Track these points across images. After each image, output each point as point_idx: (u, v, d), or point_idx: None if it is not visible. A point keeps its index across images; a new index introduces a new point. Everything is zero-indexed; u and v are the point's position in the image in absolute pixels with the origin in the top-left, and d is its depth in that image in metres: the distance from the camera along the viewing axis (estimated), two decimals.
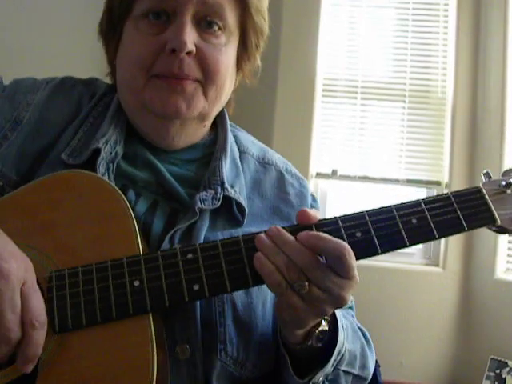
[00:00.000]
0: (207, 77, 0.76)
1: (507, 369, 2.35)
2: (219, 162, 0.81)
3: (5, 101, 0.81)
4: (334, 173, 2.82)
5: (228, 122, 0.89)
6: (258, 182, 0.85)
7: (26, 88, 0.84)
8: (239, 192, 0.80)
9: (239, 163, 0.85)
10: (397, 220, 0.66)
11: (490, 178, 0.74)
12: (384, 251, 0.65)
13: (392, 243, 0.66)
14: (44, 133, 0.80)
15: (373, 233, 0.65)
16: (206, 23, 0.76)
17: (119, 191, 0.69)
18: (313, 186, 2.84)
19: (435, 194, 2.80)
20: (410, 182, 2.79)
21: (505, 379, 2.34)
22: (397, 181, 2.79)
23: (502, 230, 0.71)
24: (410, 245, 0.66)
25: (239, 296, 0.74)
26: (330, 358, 0.71)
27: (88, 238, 0.65)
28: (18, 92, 0.83)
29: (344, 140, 2.87)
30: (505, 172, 0.75)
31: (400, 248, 0.67)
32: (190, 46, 0.73)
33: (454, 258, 2.65)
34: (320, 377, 0.71)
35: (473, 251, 2.64)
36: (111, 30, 0.81)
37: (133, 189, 0.77)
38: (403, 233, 0.66)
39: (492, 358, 2.41)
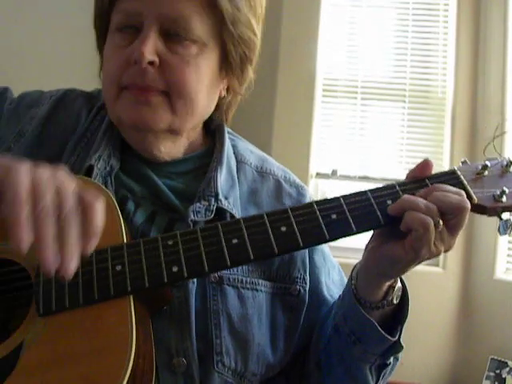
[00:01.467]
0: (173, 88, 0.76)
1: (507, 369, 2.35)
2: (214, 173, 0.81)
3: (11, 113, 0.83)
4: (334, 173, 2.82)
5: (226, 133, 0.88)
6: (254, 192, 0.85)
7: (31, 102, 0.86)
8: (233, 204, 0.80)
9: (235, 174, 0.85)
10: (371, 201, 0.69)
11: (468, 164, 0.76)
12: (359, 231, 0.68)
13: (367, 223, 0.69)
14: (45, 146, 0.81)
15: (348, 213, 0.68)
16: (175, 35, 0.76)
17: (105, 188, 0.71)
18: (313, 186, 2.84)
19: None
20: None
21: (505, 379, 2.34)
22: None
23: (480, 209, 0.71)
24: (385, 224, 0.69)
25: (234, 308, 0.76)
26: (407, 312, 0.75)
27: None
28: (23, 105, 0.85)
29: (344, 140, 2.87)
30: (485, 159, 0.76)
31: (375, 228, 0.71)
32: (150, 57, 0.73)
33: (453, 258, 2.65)
34: (401, 336, 0.76)
35: (473, 251, 2.64)
36: (99, 45, 0.83)
37: (132, 200, 0.79)
38: (378, 213, 0.68)
39: (492, 358, 2.41)
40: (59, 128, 0.83)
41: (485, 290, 2.60)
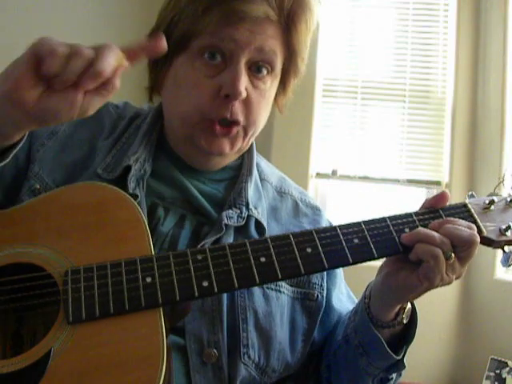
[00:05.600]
0: (249, 121, 0.82)
1: (507, 369, 2.35)
2: (245, 184, 0.87)
3: None
4: (334, 173, 2.82)
5: (255, 149, 0.95)
6: (275, 209, 0.91)
7: None
8: (261, 213, 0.86)
9: (261, 188, 0.92)
10: (391, 229, 0.73)
11: (474, 197, 0.82)
12: (380, 256, 0.72)
13: (387, 249, 0.73)
14: (76, 147, 0.87)
15: (369, 239, 0.72)
16: (256, 68, 0.81)
17: (132, 199, 0.73)
18: (313, 186, 2.84)
19: (435, 193, 2.79)
20: (410, 182, 2.79)
21: (505, 379, 2.34)
22: (397, 181, 2.79)
23: (487, 242, 0.76)
24: (403, 252, 0.73)
25: (260, 305, 0.80)
26: (414, 333, 0.80)
27: (103, 241, 0.69)
28: None
29: (344, 140, 2.87)
30: (489, 194, 0.82)
31: (394, 254, 0.74)
32: (244, 93, 0.78)
33: None
34: (405, 355, 0.81)
35: None
36: (162, 58, 0.82)
37: (162, 205, 0.84)
38: (397, 240, 0.72)
39: (492, 358, 2.40)
40: (88, 131, 0.89)
41: (485, 290, 2.60)
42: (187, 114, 0.81)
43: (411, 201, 2.85)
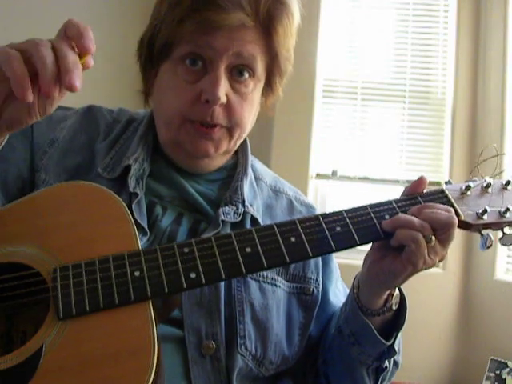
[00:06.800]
0: (233, 124, 0.84)
1: (507, 369, 2.35)
2: (240, 182, 0.90)
3: (42, 124, 0.89)
4: (334, 173, 2.82)
5: (249, 149, 0.97)
6: (270, 207, 0.94)
7: (58, 118, 0.94)
8: (257, 210, 0.89)
9: (256, 187, 0.94)
10: (371, 216, 0.75)
11: (451, 184, 0.84)
12: (362, 242, 0.74)
13: (369, 235, 0.74)
14: (77, 151, 0.89)
15: (351, 226, 0.74)
16: (237, 72, 0.82)
17: (117, 197, 0.74)
18: (313, 186, 2.84)
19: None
20: (410, 182, 2.77)
21: (505, 380, 2.34)
22: (397, 181, 2.79)
23: (465, 225, 0.78)
24: (385, 237, 0.74)
25: (256, 298, 0.83)
26: (403, 319, 0.82)
27: (91, 239, 0.70)
28: (54, 119, 0.93)
29: (344, 141, 2.87)
30: (465, 181, 0.84)
31: (376, 240, 0.76)
32: (223, 99, 0.80)
33: (453, 258, 2.65)
34: (397, 340, 0.82)
35: (472, 252, 2.64)
36: (149, 64, 0.88)
37: (160, 204, 0.86)
38: (378, 226, 0.74)
39: (492, 359, 2.40)
40: (86, 136, 0.91)
41: (485, 290, 2.60)
42: (170, 119, 0.84)
43: None
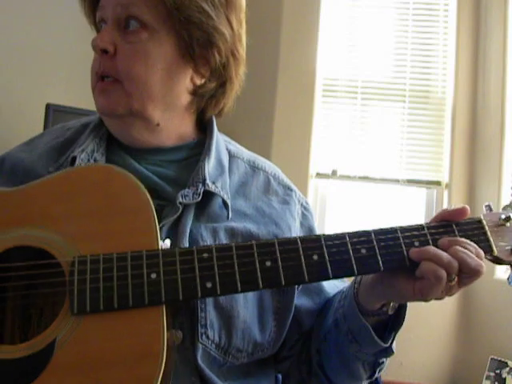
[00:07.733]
0: (121, 74, 0.81)
1: (507, 369, 2.35)
2: (202, 163, 0.85)
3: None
4: (334, 173, 2.82)
5: (215, 126, 0.93)
6: (244, 184, 0.90)
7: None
8: (221, 187, 0.84)
9: (226, 165, 0.89)
10: (400, 242, 0.71)
11: (491, 210, 0.79)
12: (386, 269, 0.70)
13: (394, 263, 0.71)
14: (36, 168, 0.86)
15: (377, 251, 0.70)
16: (125, 23, 0.82)
17: (143, 186, 0.72)
18: (313, 186, 2.84)
19: (435, 194, 2.81)
20: (410, 182, 2.79)
21: (505, 379, 2.34)
22: (397, 181, 2.79)
23: (496, 260, 0.75)
24: (409, 267, 0.71)
25: None
26: (402, 320, 0.80)
27: (111, 230, 0.69)
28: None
29: (344, 140, 2.87)
30: (504, 207, 0.80)
31: (399, 268, 0.72)
32: (102, 45, 0.80)
33: None
34: (393, 342, 0.81)
35: None
36: None
37: None
38: (405, 254, 0.71)
39: (492, 358, 2.40)
40: (43, 144, 0.91)
41: (485, 289, 2.59)
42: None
43: (411, 201, 2.85)
